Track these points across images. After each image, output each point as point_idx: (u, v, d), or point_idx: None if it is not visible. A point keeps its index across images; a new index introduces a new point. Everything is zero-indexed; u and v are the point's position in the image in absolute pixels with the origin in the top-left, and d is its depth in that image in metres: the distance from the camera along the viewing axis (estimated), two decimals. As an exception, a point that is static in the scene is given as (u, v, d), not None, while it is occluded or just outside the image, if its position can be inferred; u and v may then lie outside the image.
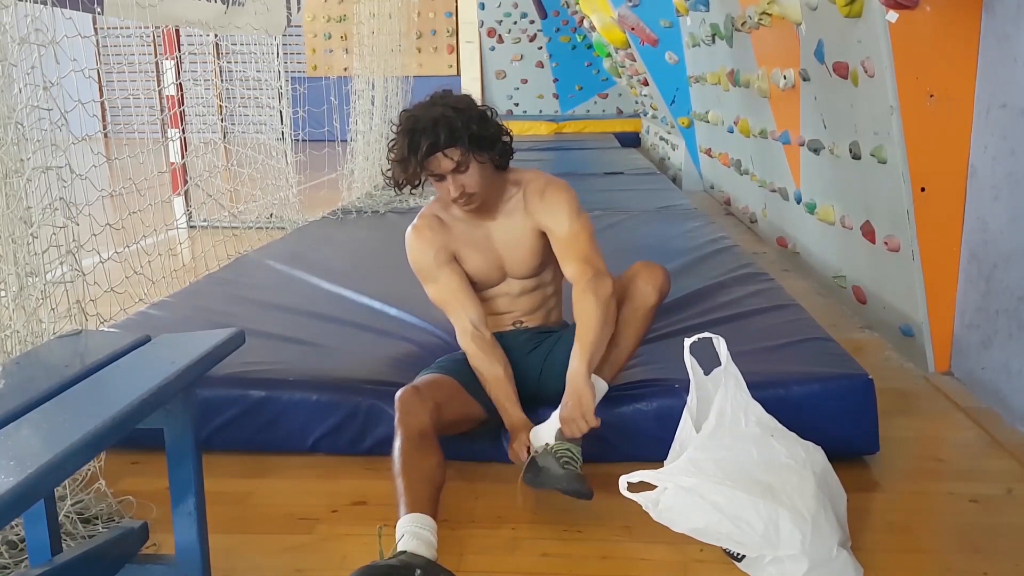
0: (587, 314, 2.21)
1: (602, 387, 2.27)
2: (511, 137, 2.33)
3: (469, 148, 2.18)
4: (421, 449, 2.04)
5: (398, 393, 2.16)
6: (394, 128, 2.28)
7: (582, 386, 2.13)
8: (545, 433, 2.19)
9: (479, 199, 2.28)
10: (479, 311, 2.35)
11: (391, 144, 2.30)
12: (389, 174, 2.33)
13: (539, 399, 2.37)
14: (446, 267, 2.36)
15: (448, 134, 2.15)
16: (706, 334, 2.10)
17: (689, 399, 2.10)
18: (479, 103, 2.28)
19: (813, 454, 1.97)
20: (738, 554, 1.90)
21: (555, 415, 2.19)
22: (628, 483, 1.90)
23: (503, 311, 2.46)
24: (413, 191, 2.32)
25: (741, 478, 1.85)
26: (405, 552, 1.78)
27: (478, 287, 2.42)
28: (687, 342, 2.07)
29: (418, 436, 2.06)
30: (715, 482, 1.85)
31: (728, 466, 1.87)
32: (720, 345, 2.04)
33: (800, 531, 1.80)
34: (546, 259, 2.41)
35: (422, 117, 2.18)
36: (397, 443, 2.06)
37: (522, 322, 2.46)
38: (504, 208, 2.38)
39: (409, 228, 2.43)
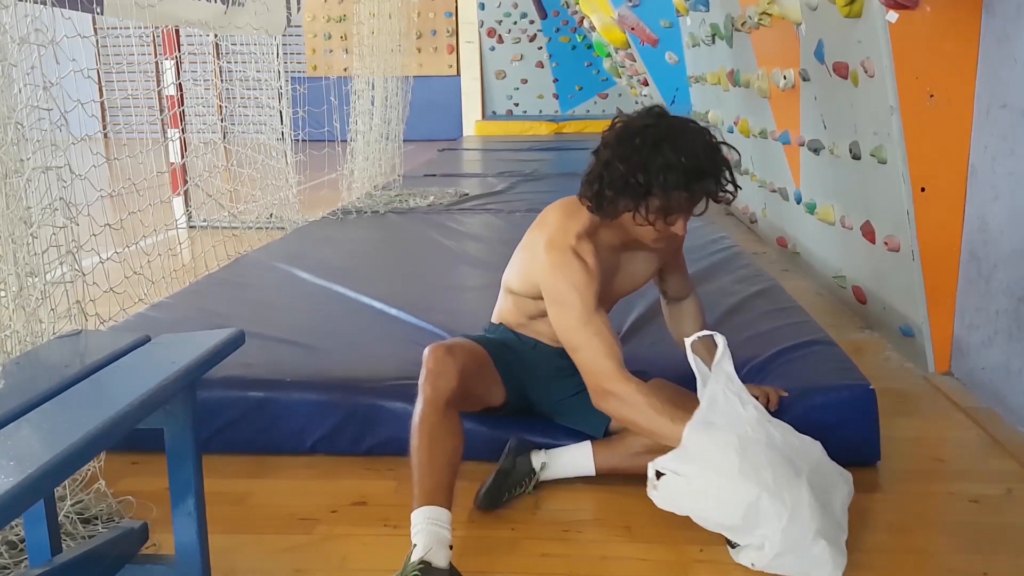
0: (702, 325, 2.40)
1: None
2: None
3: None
4: (445, 425, 1.97)
5: (428, 349, 2.06)
6: (644, 136, 2.01)
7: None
8: (556, 465, 2.26)
9: None
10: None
11: (643, 158, 1.99)
12: (606, 191, 2.04)
13: (546, 417, 2.38)
14: (600, 306, 2.11)
15: (725, 188, 2.04)
16: (706, 332, 2.10)
17: (699, 394, 2.09)
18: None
19: (808, 446, 1.98)
20: (733, 543, 1.93)
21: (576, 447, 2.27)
22: (655, 470, 1.93)
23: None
24: (613, 217, 2.09)
25: (730, 460, 1.87)
26: (428, 565, 1.76)
27: None
28: (688, 341, 2.07)
29: (444, 405, 1.98)
30: (702, 468, 1.88)
31: (718, 449, 1.89)
32: (720, 341, 2.04)
33: (778, 516, 1.82)
34: None
35: (713, 158, 2.01)
36: (420, 408, 1.98)
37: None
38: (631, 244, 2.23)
39: (561, 247, 2.10)
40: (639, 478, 2.01)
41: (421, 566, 1.76)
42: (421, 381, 2.03)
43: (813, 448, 1.99)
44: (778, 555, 1.84)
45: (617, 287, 2.30)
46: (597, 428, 2.29)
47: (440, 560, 1.79)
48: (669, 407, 1.98)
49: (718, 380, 1.98)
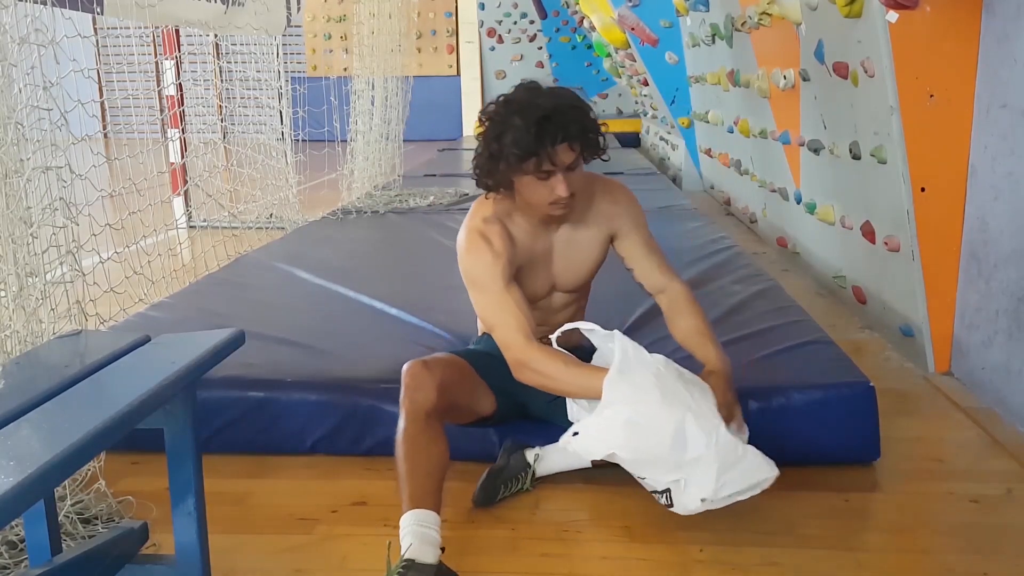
0: (700, 318, 2.23)
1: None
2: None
3: (587, 147, 2.06)
4: (426, 434, 1.99)
5: (405, 366, 2.08)
6: (491, 118, 2.07)
7: (723, 364, 2.11)
8: (551, 460, 2.26)
9: (574, 205, 2.13)
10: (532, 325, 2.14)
11: (496, 132, 2.05)
12: (483, 167, 2.11)
13: (546, 420, 2.38)
14: (513, 284, 2.15)
15: (579, 128, 2.01)
16: (574, 325, 2.09)
17: (596, 356, 2.12)
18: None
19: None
20: (667, 500, 1.95)
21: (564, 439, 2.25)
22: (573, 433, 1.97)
23: (537, 324, 2.23)
24: (501, 193, 2.14)
25: (651, 393, 1.89)
26: (412, 562, 1.78)
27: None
28: (558, 333, 2.09)
29: (424, 417, 2.00)
30: (627, 402, 1.90)
31: (638, 387, 1.91)
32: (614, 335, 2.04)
33: (705, 432, 1.85)
34: (595, 273, 2.35)
35: (551, 106, 2.00)
36: (401, 424, 2.01)
37: (548, 337, 2.30)
38: (569, 217, 2.22)
39: (470, 230, 2.18)
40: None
41: (404, 563, 1.77)
42: (401, 398, 2.05)
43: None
44: (719, 476, 1.86)
45: (559, 269, 2.28)
46: None
47: (426, 557, 1.79)
48: (582, 365, 2.05)
49: (621, 339, 1.99)
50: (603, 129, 2.12)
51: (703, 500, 1.89)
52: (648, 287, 2.32)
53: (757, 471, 1.89)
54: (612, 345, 1.99)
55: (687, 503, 1.91)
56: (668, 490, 1.94)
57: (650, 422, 1.88)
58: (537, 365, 2.05)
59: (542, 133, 1.98)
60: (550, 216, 2.16)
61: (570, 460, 2.27)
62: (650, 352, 1.99)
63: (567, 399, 2.12)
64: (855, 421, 2.37)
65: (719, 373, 2.09)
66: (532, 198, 2.11)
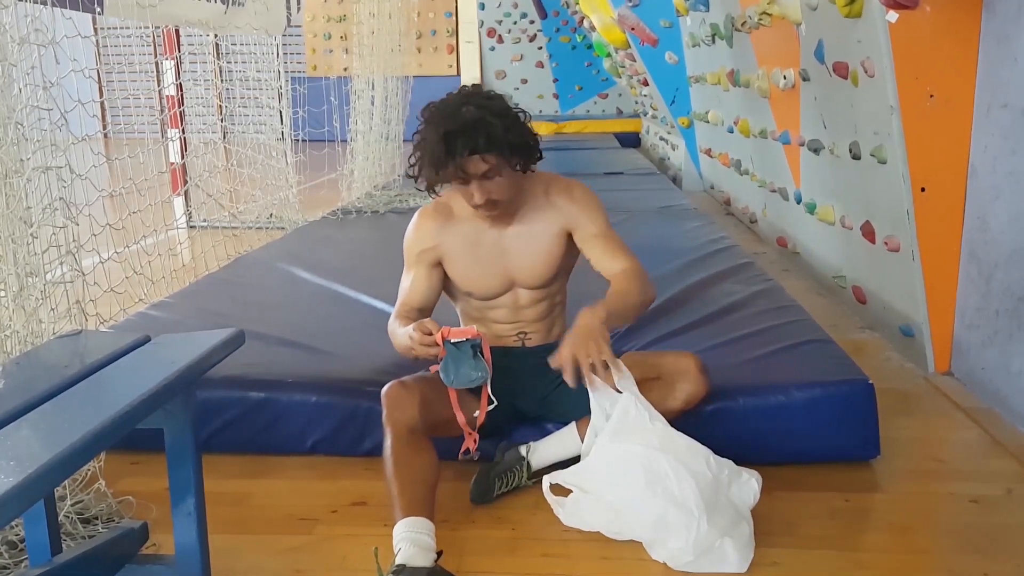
0: (625, 287, 2.16)
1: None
2: (538, 140, 2.24)
3: (505, 155, 2.09)
4: (411, 447, 2.01)
5: (385, 388, 2.12)
6: (421, 123, 2.16)
7: (592, 316, 2.01)
8: (545, 450, 2.29)
9: (503, 207, 2.19)
10: (420, 311, 2.29)
11: (418, 140, 2.16)
12: (413, 171, 2.19)
13: (539, 420, 2.40)
14: (423, 269, 2.30)
15: (486, 140, 2.05)
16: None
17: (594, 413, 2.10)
18: (511, 105, 2.18)
19: (712, 459, 2.00)
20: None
21: (558, 433, 2.29)
22: (551, 484, 2.04)
23: (506, 322, 2.34)
24: (436, 193, 2.22)
25: (636, 475, 1.94)
26: (404, 567, 1.78)
27: (476, 297, 2.32)
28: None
29: (407, 433, 2.03)
30: (610, 483, 1.97)
31: (624, 463, 1.96)
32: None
33: (687, 527, 1.89)
34: (559, 268, 2.32)
35: (459, 117, 2.06)
36: (387, 443, 2.04)
37: (526, 333, 2.35)
38: (521, 213, 2.27)
39: (421, 208, 2.35)
40: None
41: (395, 569, 1.78)
42: (384, 418, 2.07)
43: (724, 464, 2.02)
44: (690, 562, 1.91)
45: (517, 264, 2.28)
46: (585, 410, 2.19)
47: (417, 561, 1.79)
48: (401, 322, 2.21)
49: (631, 394, 2.02)
50: (530, 135, 2.18)
51: (667, 562, 1.95)
52: (604, 274, 2.29)
53: (725, 562, 1.90)
54: (616, 400, 2.02)
55: (655, 554, 1.97)
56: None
57: (630, 509, 1.96)
58: (390, 328, 2.25)
59: (450, 146, 2.04)
60: (486, 216, 2.22)
61: (564, 451, 2.28)
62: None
63: (591, 421, 2.11)
64: (855, 418, 2.37)
65: (581, 324, 2.01)
66: (463, 200, 2.21)
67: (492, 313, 2.33)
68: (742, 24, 4.88)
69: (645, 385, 2.12)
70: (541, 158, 2.25)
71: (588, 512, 2.02)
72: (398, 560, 1.80)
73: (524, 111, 2.21)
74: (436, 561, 1.83)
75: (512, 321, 2.34)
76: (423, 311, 2.30)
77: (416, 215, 2.34)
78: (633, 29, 7.36)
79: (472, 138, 2.04)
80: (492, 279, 2.29)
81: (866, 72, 3.20)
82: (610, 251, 2.26)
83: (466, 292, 2.33)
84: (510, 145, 2.09)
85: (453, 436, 2.19)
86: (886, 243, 3.29)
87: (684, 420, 2.14)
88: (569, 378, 1.96)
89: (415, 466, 1.98)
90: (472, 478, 2.25)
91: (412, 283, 2.31)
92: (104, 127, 8.07)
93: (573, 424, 2.28)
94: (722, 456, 2.02)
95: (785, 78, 4.36)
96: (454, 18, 13.42)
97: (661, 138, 9.60)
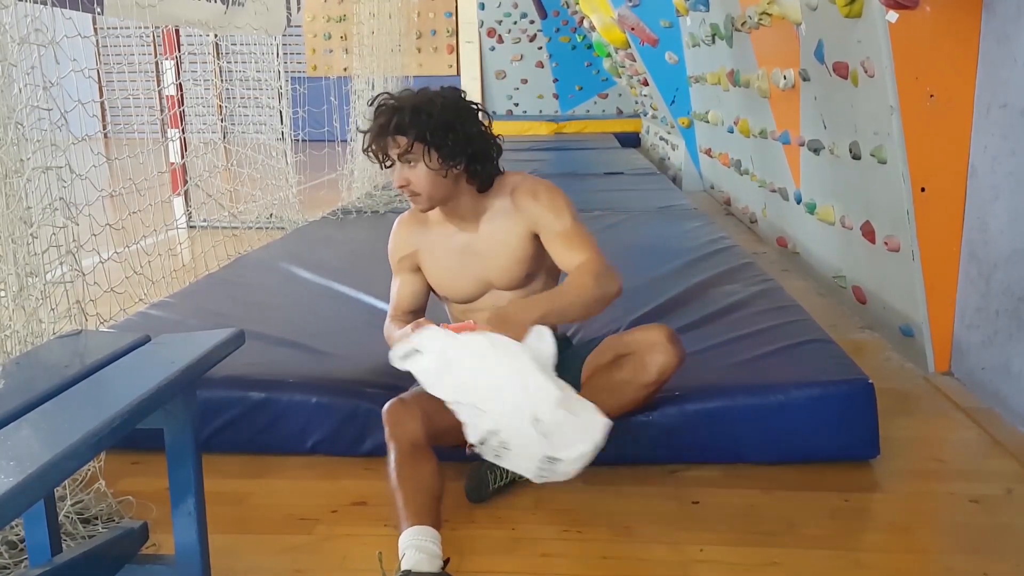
0: (578, 282, 2.16)
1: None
2: (499, 151, 2.25)
3: (429, 145, 2.12)
4: (414, 459, 2.01)
5: (385, 407, 2.13)
6: None
7: (518, 311, 2.08)
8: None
9: (424, 202, 2.21)
10: (411, 313, 2.41)
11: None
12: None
13: None
14: (406, 274, 2.43)
15: (396, 124, 2.11)
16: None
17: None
18: (471, 111, 2.20)
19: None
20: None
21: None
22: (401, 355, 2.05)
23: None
24: (384, 166, 2.25)
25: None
26: (410, 572, 1.77)
27: (453, 300, 2.37)
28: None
29: (410, 447, 2.03)
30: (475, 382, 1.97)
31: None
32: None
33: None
34: (535, 268, 2.31)
35: (392, 102, 2.16)
36: (391, 456, 2.04)
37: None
38: (488, 216, 2.29)
39: (400, 215, 2.48)
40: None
41: (401, 575, 1.77)
42: (386, 436, 2.09)
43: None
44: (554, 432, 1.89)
45: (489, 265, 2.29)
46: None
47: (423, 567, 1.79)
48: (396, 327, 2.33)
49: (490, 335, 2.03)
50: (463, 137, 2.15)
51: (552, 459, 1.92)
52: (564, 270, 2.27)
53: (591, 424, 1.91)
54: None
55: (551, 473, 1.95)
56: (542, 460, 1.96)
57: (490, 380, 1.96)
58: (385, 332, 2.37)
59: (379, 125, 2.15)
60: (415, 206, 2.28)
61: None
62: None
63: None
64: (854, 418, 2.37)
65: (501, 314, 2.07)
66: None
67: (475, 315, 2.31)
68: (742, 24, 4.88)
69: (618, 362, 2.18)
70: (491, 168, 2.25)
71: (450, 369, 2.00)
72: (404, 566, 1.79)
73: (482, 120, 2.22)
74: (443, 568, 1.82)
75: None
76: (415, 313, 2.40)
77: (396, 222, 2.46)
78: (633, 29, 7.36)
79: (389, 117, 2.13)
80: (466, 282, 2.33)
81: (866, 72, 3.20)
82: (569, 246, 2.23)
83: (443, 296, 2.40)
84: (421, 134, 2.11)
85: (460, 444, 2.15)
86: (886, 243, 3.29)
87: (683, 420, 2.14)
88: None
89: (418, 477, 1.98)
90: (470, 477, 2.25)
91: (399, 288, 2.44)
92: (104, 127, 8.08)
93: None
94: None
95: (785, 78, 4.36)
96: (454, 18, 13.41)
97: (661, 138, 9.60)
